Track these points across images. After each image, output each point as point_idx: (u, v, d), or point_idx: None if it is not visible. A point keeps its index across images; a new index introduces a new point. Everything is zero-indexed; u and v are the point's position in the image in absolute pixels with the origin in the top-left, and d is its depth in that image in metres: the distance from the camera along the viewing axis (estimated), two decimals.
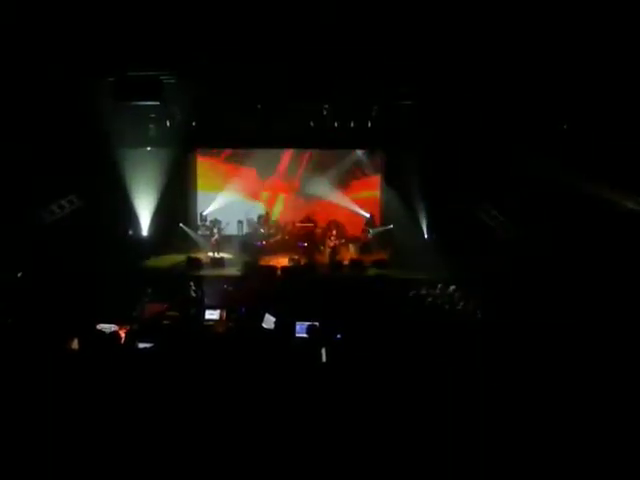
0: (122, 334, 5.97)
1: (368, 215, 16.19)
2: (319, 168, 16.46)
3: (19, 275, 10.38)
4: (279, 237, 15.89)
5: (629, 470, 3.04)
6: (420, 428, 3.35)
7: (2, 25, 8.83)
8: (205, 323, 8.65)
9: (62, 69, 10.32)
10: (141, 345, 5.70)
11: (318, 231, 16.13)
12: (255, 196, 16.96)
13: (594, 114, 10.10)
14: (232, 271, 13.98)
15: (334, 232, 15.50)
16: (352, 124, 13.36)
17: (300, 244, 15.43)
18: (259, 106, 12.72)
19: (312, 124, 13.30)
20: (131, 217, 14.77)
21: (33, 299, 10.47)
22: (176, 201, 15.77)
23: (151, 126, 13.55)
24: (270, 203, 17.02)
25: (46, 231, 11.68)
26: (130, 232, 14.47)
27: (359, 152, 16.37)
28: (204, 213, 16.27)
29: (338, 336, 6.04)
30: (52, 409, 3.41)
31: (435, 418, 3.42)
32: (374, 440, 3.26)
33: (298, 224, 16.34)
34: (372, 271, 14.11)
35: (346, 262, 14.61)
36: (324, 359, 5.22)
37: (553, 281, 10.25)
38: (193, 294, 11.84)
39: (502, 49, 9.62)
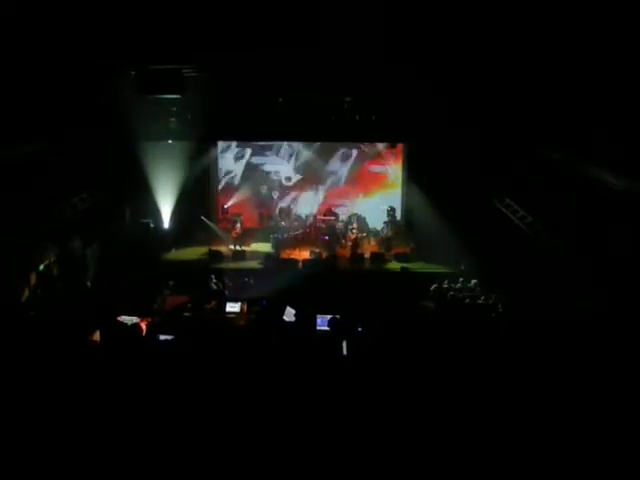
0: (143, 326, 6.02)
1: (389, 208, 16.06)
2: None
3: (41, 268, 10.48)
4: (300, 230, 15.85)
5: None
6: (439, 422, 3.31)
7: (21, 20, 8.88)
8: (226, 316, 8.69)
9: (83, 63, 10.38)
10: (162, 337, 5.73)
11: (339, 224, 16.06)
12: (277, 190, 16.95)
13: (618, 108, 9.87)
14: (253, 264, 14.00)
15: (355, 225, 15.45)
16: (373, 117, 13.24)
17: (322, 237, 15.37)
18: (280, 99, 12.68)
19: (333, 117, 13.22)
20: (153, 210, 14.84)
21: (55, 291, 10.61)
22: (198, 194, 15.79)
23: (172, 119, 13.56)
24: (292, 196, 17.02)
25: (68, 224, 11.77)
26: (152, 225, 14.54)
27: (380, 145, 16.25)
28: (226, 206, 16.32)
29: (359, 329, 6.01)
30: (74, 400, 3.42)
31: (455, 411, 3.39)
32: (394, 433, 3.23)
33: (320, 217, 16.32)
34: (393, 264, 14.05)
35: (367, 255, 14.56)
36: (345, 352, 5.19)
37: (575, 276, 10.09)
38: (214, 287, 11.88)
39: (524, 43, 9.47)
